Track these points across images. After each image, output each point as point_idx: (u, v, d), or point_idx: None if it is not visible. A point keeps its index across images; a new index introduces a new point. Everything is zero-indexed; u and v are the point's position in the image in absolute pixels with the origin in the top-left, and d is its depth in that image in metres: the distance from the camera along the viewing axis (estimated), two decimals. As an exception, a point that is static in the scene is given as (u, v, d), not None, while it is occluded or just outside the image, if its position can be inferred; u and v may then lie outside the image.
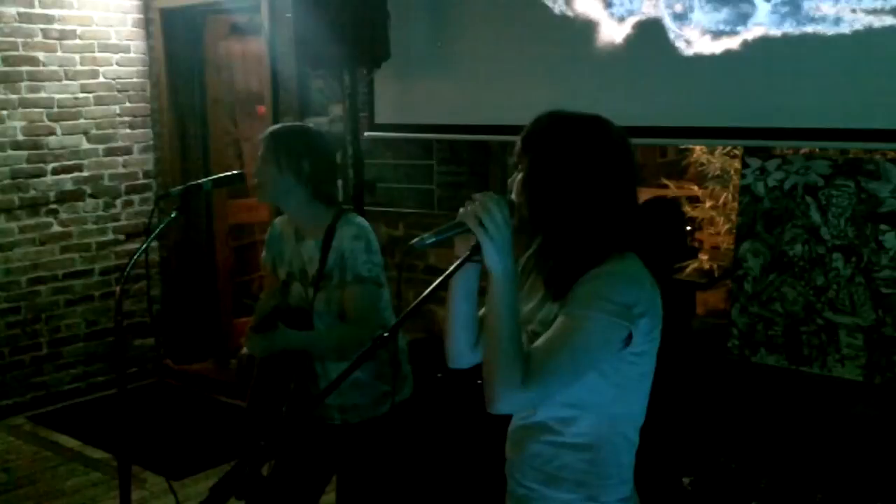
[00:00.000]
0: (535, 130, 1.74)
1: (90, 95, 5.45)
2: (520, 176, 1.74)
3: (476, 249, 1.64)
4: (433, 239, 1.66)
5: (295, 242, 2.69)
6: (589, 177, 1.68)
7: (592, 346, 1.64)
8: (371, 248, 2.59)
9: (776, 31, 3.05)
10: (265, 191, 2.65)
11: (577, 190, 1.68)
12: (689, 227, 4.10)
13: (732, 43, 3.15)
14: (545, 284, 1.77)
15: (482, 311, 1.85)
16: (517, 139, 1.76)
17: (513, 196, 1.75)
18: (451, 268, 1.71)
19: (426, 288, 1.72)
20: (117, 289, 2.57)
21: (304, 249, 2.66)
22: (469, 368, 1.87)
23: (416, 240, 1.68)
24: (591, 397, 1.69)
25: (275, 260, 2.77)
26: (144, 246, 2.53)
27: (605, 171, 1.69)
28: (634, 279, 1.68)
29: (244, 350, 2.72)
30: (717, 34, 3.17)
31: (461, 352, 1.86)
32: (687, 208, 4.09)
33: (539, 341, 1.65)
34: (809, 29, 2.98)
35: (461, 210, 1.68)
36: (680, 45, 3.26)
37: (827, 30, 2.95)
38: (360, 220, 2.66)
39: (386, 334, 1.60)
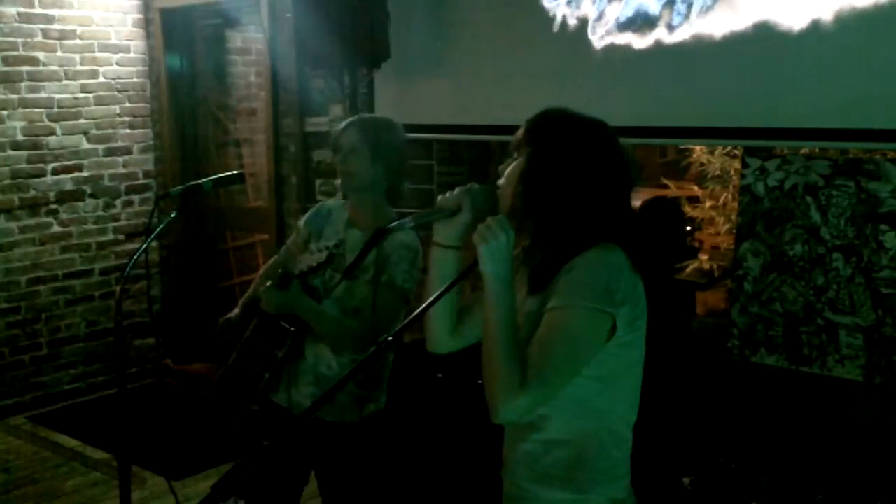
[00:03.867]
0: (542, 122, 1.75)
1: (90, 95, 5.44)
2: (514, 164, 1.75)
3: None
4: (412, 224, 1.72)
5: (344, 228, 2.69)
6: (587, 175, 1.69)
7: (582, 336, 1.63)
8: (415, 264, 2.59)
9: (777, 30, 3.04)
10: (354, 180, 2.64)
11: (572, 186, 1.69)
12: (689, 227, 4.11)
13: (733, 42, 3.14)
14: (530, 277, 1.77)
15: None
16: (521, 128, 1.77)
17: (499, 182, 1.76)
18: (456, 279, 1.75)
19: (423, 289, 1.73)
20: (117, 289, 2.57)
21: (350, 236, 2.66)
22: (467, 368, 1.87)
23: (394, 223, 1.72)
24: (574, 391, 1.67)
25: (311, 234, 2.76)
26: (144, 246, 2.52)
27: (603, 172, 1.71)
28: (613, 266, 1.67)
29: (233, 314, 2.73)
30: (717, 33, 3.17)
31: (440, 336, 1.88)
32: (687, 208, 4.10)
33: (531, 343, 1.64)
34: (810, 28, 2.98)
35: (439, 197, 1.74)
36: (680, 44, 3.26)
37: (828, 28, 2.94)
38: (415, 236, 2.65)
39: (390, 338, 1.61)
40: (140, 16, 5.62)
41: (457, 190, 1.74)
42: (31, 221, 5.28)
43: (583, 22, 3.50)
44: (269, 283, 2.56)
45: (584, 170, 1.69)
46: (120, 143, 5.61)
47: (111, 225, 5.62)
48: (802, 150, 3.30)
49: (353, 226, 2.68)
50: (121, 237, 5.66)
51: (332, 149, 2.72)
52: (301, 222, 2.84)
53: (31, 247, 5.28)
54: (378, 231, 1.79)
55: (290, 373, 2.64)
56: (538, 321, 1.66)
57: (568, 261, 1.67)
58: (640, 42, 3.35)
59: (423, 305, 1.69)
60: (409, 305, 2.60)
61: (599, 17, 3.45)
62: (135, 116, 5.67)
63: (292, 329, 2.58)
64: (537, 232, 1.74)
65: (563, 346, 1.62)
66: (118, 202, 5.64)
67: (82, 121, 5.42)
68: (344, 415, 2.62)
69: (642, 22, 3.33)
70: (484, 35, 3.83)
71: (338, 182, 4.59)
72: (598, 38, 3.45)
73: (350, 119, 2.75)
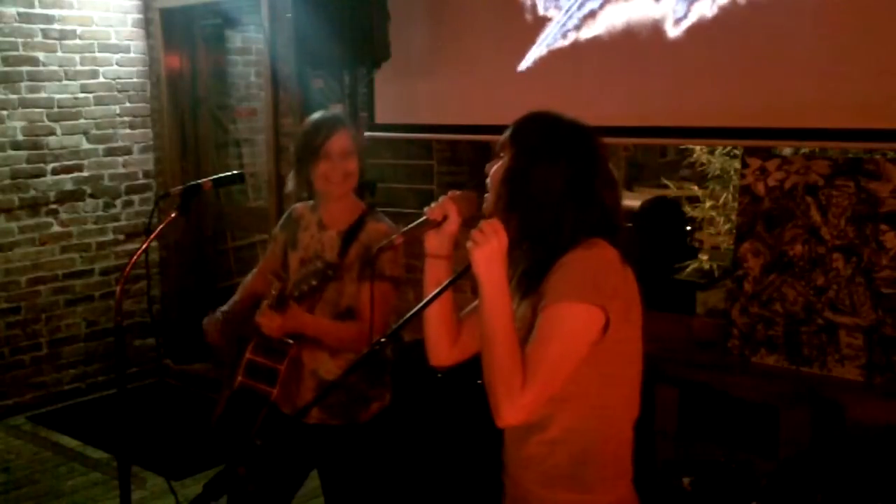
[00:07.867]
0: (525, 123, 1.78)
1: (90, 95, 5.44)
2: (498, 164, 1.77)
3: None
4: (402, 240, 1.77)
5: (317, 231, 2.69)
6: (564, 174, 1.70)
7: (576, 332, 1.64)
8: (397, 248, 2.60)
9: (777, 30, 3.04)
10: (351, 181, 2.65)
11: (550, 185, 1.70)
12: (689, 227, 4.10)
13: (733, 42, 3.14)
14: (518, 281, 1.77)
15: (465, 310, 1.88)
16: (506, 130, 1.79)
17: (487, 181, 1.78)
18: (449, 281, 1.76)
19: (426, 289, 1.73)
20: (117, 289, 2.57)
21: (326, 239, 2.66)
22: (467, 368, 1.87)
23: (385, 242, 1.77)
24: (577, 388, 1.68)
25: (287, 242, 2.76)
26: (144, 246, 2.53)
27: (581, 171, 1.72)
28: (601, 260, 1.68)
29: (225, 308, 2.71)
30: (717, 32, 3.17)
31: (441, 348, 1.88)
32: (687, 208, 4.10)
33: (529, 344, 1.64)
34: (811, 27, 2.98)
35: (425, 209, 1.78)
36: (680, 44, 3.26)
37: (828, 28, 2.94)
38: (387, 219, 2.66)
39: (384, 339, 1.62)
40: (140, 16, 5.62)
41: (441, 199, 1.78)
42: (31, 221, 5.28)
43: (582, 22, 3.50)
44: (265, 304, 2.54)
45: (562, 169, 1.70)
46: (120, 143, 5.61)
47: (111, 225, 5.62)
48: (802, 150, 3.30)
49: (326, 227, 2.68)
50: (121, 237, 5.66)
51: (311, 152, 2.62)
52: (275, 231, 2.83)
53: (31, 247, 5.28)
54: (373, 253, 1.82)
55: (293, 383, 2.64)
56: (532, 324, 1.66)
57: (555, 261, 1.68)
58: (639, 41, 3.35)
59: (417, 308, 1.70)
60: (400, 287, 2.62)
61: (598, 18, 3.45)
62: (135, 116, 5.67)
63: (292, 343, 2.58)
64: (518, 233, 1.74)
65: (558, 344, 1.62)
66: (118, 202, 5.64)
67: (82, 121, 5.42)
68: (351, 416, 2.63)
69: (642, 21, 3.33)
70: (484, 35, 3.83)
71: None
72: (598, 38, 3.45)
73: (328, 120, 2.69)
